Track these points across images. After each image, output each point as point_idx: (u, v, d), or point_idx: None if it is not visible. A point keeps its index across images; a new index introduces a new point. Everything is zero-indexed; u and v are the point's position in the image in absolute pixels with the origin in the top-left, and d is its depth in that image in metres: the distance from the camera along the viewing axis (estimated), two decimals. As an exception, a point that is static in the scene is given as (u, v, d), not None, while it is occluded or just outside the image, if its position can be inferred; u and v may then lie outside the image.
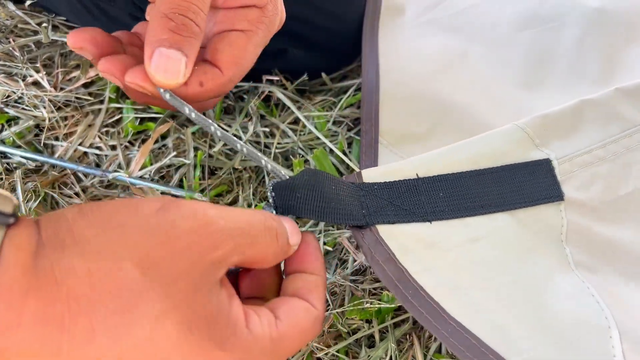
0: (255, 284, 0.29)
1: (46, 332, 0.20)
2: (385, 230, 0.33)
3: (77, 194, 0.47)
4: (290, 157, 0.48)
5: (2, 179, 0.47)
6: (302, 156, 0.48)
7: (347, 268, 0.42)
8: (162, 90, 0.30)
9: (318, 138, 0.48)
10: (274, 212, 0.30)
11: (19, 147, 0.49)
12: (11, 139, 0.49)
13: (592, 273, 0.35)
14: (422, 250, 0.33)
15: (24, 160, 0.48)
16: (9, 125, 0.50)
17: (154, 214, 0.23)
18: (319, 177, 0.32)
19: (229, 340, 0.23)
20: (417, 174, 0.34)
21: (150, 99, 0.33)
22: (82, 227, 0.22)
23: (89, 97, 0.51)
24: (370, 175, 0.34)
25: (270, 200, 0.31)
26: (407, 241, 0.33)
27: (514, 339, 0.31)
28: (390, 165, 0.35)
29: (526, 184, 0.35)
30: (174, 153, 0.47)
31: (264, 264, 0.27)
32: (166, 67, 0.28)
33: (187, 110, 0.30)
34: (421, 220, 0.33)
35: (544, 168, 0.36)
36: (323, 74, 0.52)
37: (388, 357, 0.39)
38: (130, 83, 0.30)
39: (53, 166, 0.48)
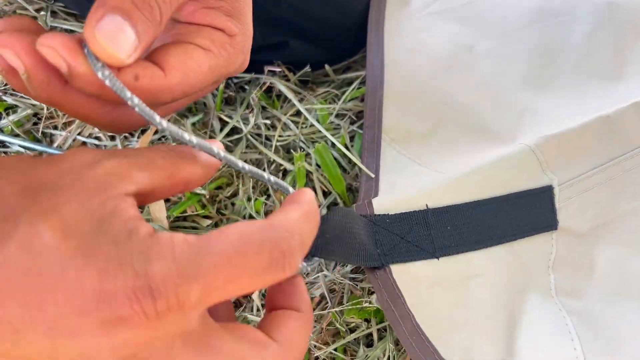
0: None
1: None
2: (397, 270, 0.34)
3: (75, 185, 0.46)
4: (292, 150, 0.47)
5: None
6: (304, 150, 0.47)
7: (346, 266, 0.41)
8: (99, 65, 0.22)
9: (320, 131, 0.47)
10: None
11: (17, 136, 0.49)
12: (9, 127, 0.49)
13: (574, 298, 0.35)
14: (426, 291, 0.34)
15: (22, 150, 0.48)
16: (7, 114, 0.49)
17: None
18: (349, 218, 0.32)
19: (120, 240, 0.20)
20: (426, 205, 0.34)
21: (88, 109, 0.26)
22: None
23: (88, 86, 0.50)
24: (381, 206, 0.35)
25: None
26: (414, 281, 0.34)
27: None
28: (400, 195, 0.35)
29: (526, 215, 0.36)
30: (174, 144, 0.47)
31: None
32: (114, 37, 0.22)
33: (130, 97, 0.23)
34: (430, 257, 0.34)
35: (545, 196, 0.36)
36: (326, 66, 0.51)
37: (386, 357, 0.38)
38: (46, 48, 0.22)
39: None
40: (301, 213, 0.24)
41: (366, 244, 0.33)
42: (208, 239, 0.20)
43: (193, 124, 0.48)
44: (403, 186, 0.38)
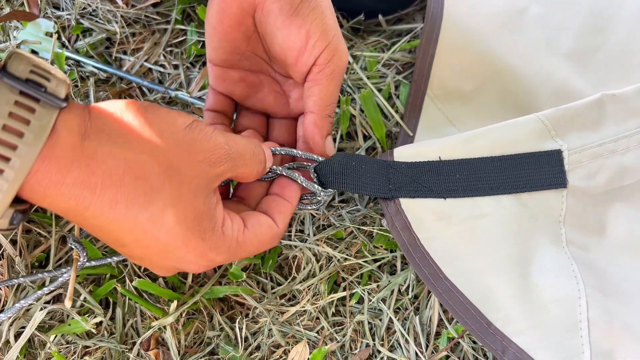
0: (246, 190, 0.38)
1: (81, 193, 0.26)
2: (406, 203, 0.39)
3: (141, 107, 0.51)
4: (340, 95, 0.51)
5: (77, 86, 0.51)
6: (350, 94, 0.50)
7: (378, 203, 0.46)
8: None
9: (367, 78, 0.50)
10: (317, 185, 0.38)
11: (91, 57, 0.53)
12: (85, 49, 0.54)
13: (583, 250, 0.39)
14: (433, 222, 0.38)
15: (95, 70, 0.53)
16: (84, 36, 0.54)
17: (184, 129, 0.30)
18: (351, 159, 0.38)
19: (206, 234, 0.31)
20: (439, 157, 0.39)
21: None
22: (126, 124, 0.28)
23: (156, 17, 0.54)
24: (401, 155, 0.39)
25: (314, 178, 0.38)
26: (422, 213, 0.38)
27: (496, 300, 0.37)
28: (418, 146, 0.40)
29: (534, 172, 0.39)
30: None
31: (248, 180, 0.35)
32: (330, 147, 0.39)
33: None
34: (437, 196, 0.38)
35: (554, 158, 0.39)
36: (379, 16, 0.53)
37: (406, 285, 0.43)
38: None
39: (121, 79, 0.53)
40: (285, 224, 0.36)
41: (378, 180, 0.38)
42: (245, 242, 0.33)
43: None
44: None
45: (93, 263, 0.40)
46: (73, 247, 0.38)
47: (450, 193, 0.39)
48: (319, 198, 0.39)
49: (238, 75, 0.40)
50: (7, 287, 0.43)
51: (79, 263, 0.38)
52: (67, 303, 0.36)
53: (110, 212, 0.27)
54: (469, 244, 0.38)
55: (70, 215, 0.28)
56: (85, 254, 0.38)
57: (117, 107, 0.28)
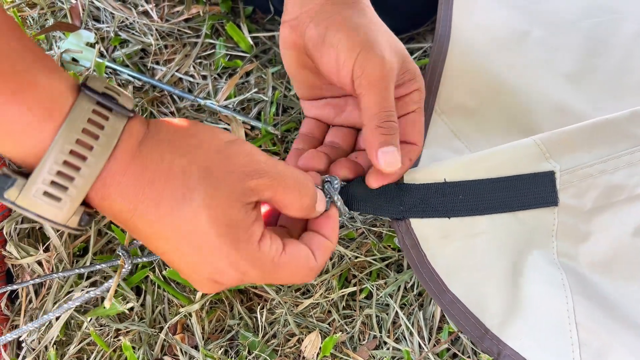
0: (289, 220, 0.39)
1: (133, 192, 0.29)
2: (415, 223, 0.42)
3: (172, 113, 0.56)
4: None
5: (115, 92, 0.56)
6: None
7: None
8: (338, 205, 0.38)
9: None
10: (346, 208, 0.40)
11: (126, 66, 0.58)
12: (121, 58, 0.58)
13: (572, 260, 0.43)
14: (438, 239, 0.42)
15: (130, 79, 0.57)
16: (121, 47, 0.59)
17: (225, 142, 0.32)
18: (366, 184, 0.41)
19: (241, 244, 0.31)
20: (444, 179, 0.43)
21: None
22: (177, 134, 0.32)
23: (188, 31, 0.59)
24: (409, 176, 0.43)
25: (337, 202, 0.39)
26: (428, 231, 0.42)
27: (492, 308, 0.41)
28: (426, 168, 0.43)
29: (529, 192, 0.43)
30: (255, 89, 0.55)
31: (289, 211, 0.35)
32: (389, 161, 0.37)
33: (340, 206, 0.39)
34: (443, 216, 0.42)
35: (547, 179, 0.43)
36: (393, 35, 0.57)
37: (412, 282, 0.47)
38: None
39: (153, 87, 0.57)
40: (325, 257, 0.36)
41: (392, 202, 0.42)
42: (280, 265, 0.33)
43: (273, 74, 0.56)
44: (441, 160, 0.46)
45: (139, 260, 0.44)
46: (120, 254, 0.41)
47: (454, 213, 0.42)
48: (340, 218, 0.42)
49: (324, 102, 0.44)
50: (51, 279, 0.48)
51: (123, 270, 0.41)
52: (107, 303, 0.39)
53: (153, 212, 0.30)
54: (468, 259, 0.42)
55: (122, 217, 0.30)
56: (130, 262, 0.41)
57: (171, 121, 0.32)
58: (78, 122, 0.28)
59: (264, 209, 0.39)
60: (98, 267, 0.44)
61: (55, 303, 0.47)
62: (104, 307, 0.46)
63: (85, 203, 0.30)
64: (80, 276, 0.49)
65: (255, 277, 0.33)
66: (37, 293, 0.49)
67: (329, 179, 0.39)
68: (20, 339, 0.48)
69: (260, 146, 0.53)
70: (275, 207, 0.35)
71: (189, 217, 0.30)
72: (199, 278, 0.33)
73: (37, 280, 0.46)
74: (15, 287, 0.47)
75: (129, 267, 0.41)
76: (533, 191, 0.43)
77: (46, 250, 0.48)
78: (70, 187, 0.28)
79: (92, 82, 0.30)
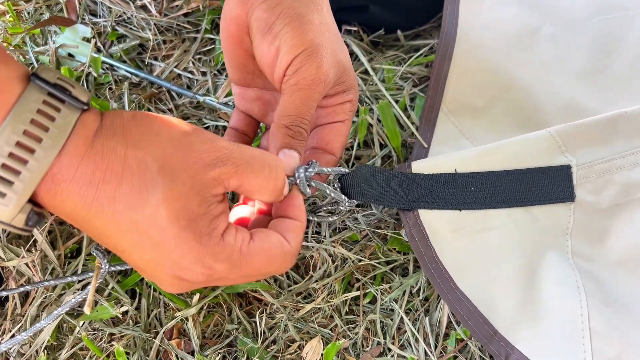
0: (256, 221, 0.38)
1: (86, 189, 0.28)
2: (424, 214, 0.41)
3: (170, 110, 0.54)
4: (358, 104, 0.53)
5: (112, 88, 0.54)
6: (368, 104, 0.53)
7: (394, 209, 0.48)
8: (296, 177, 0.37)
9: (385, 89, 0.53)
10: (341, 195, 0.39)
11: (124, 62, 0.56)
12: (118, 54, 0.57)
13: (587, 261, 0.41)
14: (448, 233, 0.41)
15: (127, 74, 0.56)
16: (118, 42, 0.57)
17: (183, 132, 0.31)
18: (374, 172, 0.40)
19: (203, 238, 0.30)
20: (455, 169, 0.41)
21: None
22: (131, 125, 0.30)
23: (187, 26, 0.57)
24: (418, 167, 0.41)
25: (337, 188, 0.39)
26: (438, 224, 0.40)
27: (501, 309, 0.39)
28: (435, 159, 0.42)
29: (544, 186, 0.41)
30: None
31: (261, 196, 0.34)
32: (287, 163, 0.36)
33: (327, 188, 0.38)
34: (453, 208, 0.40)
35: (563, 173, 0.41)
36: (398, 31, 0.56)
37: (417, 287, 0.45)
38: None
39: (151, 83, 0.56)
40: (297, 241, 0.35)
41: (399, 191, 0.40)
42: (249, 254, 0.32)
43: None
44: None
45: (118, 267, 0.41)
46: (95, 255, 0.39)
47: (465, 205, 0.41)
48: (342, 208, 0.41)
49: (254, 94, 0.43)
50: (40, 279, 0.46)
51: (101, 271, 0.39)
52: (87, 309, 0.37)
53: (109, 209, 0.28)
54: (479, 256, 0.40)
55: (75, 216, 0.29)
56: (106, 262, 0.39)
57: (126, 114, 0.31)
58: (26, 112, 0.27)
59: (252, 215, 0.39)
60: (69, 279, 0.42)
61: (40, 306, 0.46)
62: (96, 312, 0.44)
63: (35, 203, 0.28)
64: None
65: (223, 271, 0.32)
66: (27, 296, 0.47)
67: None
68: (11, 350, 0.46)
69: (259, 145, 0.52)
70: (247, 196, 0.34)
71: (147, 212, 0.29)
72: (162, 276, 0.32)
73: (21, 289, 0.44)
74: (4, 293, 0.46)
75: (107, 267, 0.39)
76: (548, 185, 0.41)
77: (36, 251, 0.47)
78: (17, 182, 0.27)
79: (44, 72, 0.28)
